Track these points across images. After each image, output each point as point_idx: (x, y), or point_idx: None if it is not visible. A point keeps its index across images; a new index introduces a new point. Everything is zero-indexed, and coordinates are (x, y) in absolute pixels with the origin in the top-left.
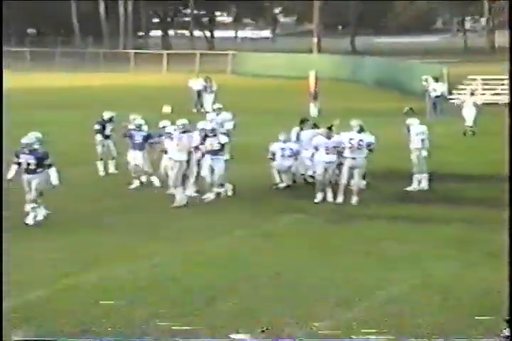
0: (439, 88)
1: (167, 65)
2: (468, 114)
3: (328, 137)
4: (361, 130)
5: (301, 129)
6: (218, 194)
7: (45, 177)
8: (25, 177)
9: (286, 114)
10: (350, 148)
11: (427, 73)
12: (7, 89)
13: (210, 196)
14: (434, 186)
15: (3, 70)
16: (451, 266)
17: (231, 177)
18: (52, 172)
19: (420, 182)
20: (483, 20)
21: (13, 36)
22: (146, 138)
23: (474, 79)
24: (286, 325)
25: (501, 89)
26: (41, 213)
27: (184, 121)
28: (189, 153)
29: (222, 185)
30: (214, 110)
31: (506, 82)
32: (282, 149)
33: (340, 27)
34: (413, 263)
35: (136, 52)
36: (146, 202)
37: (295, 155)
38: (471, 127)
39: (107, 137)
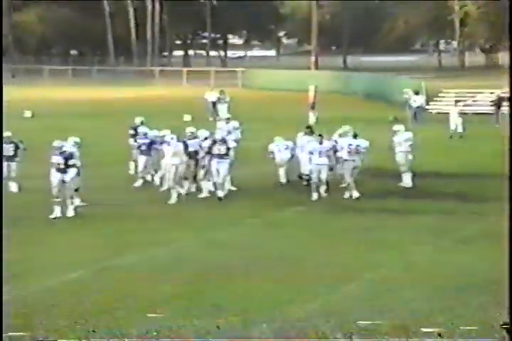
0: (418, 100)
1: (187, 80)
2: (456, 121)
3: (320, 143)
4: (355, 136)
5: (305, 134)
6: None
7: (76, 175)
8: (58, 175)
9: (288, 121)
10: (349, 152)
11: (408, 87)
12: (56, 101)
13: (221, 193)
14: (414, 183)
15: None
16: (428, 250)
17: (239, 176)
18: (71, 173)
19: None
20: (454, 43)
21: (58, 57)
22: (150, 144)
23: (448, 93)
24: (290, 303)
25: (471, 101)
26: (76, 204)
27: (192, 129)
28: (196, 159)
29: (222, 184)
30: (225, 119)
31: (477, 95)
32: (277, 146)
33: (334, 47)
34: (396, 248)
35: (161, 70)
36: (168, 196)
37: (291, 149)
38: (459, 132)
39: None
